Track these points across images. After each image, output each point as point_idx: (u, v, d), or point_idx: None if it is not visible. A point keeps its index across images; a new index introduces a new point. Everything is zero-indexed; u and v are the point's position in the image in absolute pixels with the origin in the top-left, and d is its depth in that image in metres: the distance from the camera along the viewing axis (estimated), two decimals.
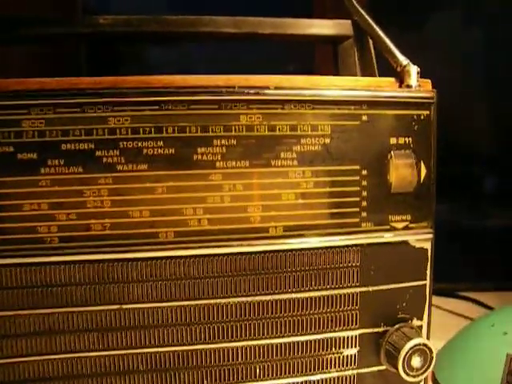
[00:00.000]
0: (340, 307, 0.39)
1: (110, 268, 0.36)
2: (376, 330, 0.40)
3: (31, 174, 0.35)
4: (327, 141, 0.38)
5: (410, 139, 0.39)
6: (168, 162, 0.36)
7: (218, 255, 0.37)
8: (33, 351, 0.36)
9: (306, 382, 0.39)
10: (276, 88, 0.37)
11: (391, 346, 0.39)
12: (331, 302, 0.39)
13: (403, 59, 0.41)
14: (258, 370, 0.38)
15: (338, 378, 0.40)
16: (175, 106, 0.36)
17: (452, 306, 0.77)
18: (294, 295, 0.38)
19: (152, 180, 0.36)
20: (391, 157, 0.39)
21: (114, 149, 0.35)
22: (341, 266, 0.39)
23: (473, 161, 0.98)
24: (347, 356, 0.40)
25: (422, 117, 0.40)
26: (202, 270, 0.37)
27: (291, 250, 0.38)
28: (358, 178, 0.39)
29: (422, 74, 0.41)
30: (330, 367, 0.40)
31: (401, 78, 0.41)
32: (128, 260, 0.36)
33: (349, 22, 0.46)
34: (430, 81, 0.41)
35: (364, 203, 0.39)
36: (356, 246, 0.39)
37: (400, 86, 0.41)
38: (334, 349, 0.40)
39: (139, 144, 0.36)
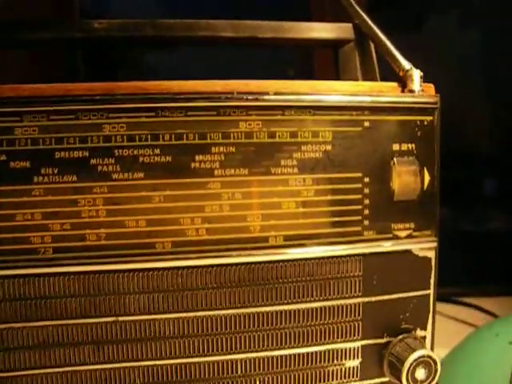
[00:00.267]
0: (342, 318, 0.38)
1: (106, 279, 0.35)
2: (379, 340, 0.39)
3: (24, 183, 0.34)
4: (328, 148, 0.37)
5: (413, 145, 0.39)
6: (165, 170, 0.35)
7: (217, 266, 0.36)
8: (26, 365, 0.35)
9: None
10: (276, 93, 0.36)
11: (394, 357, 0.39)
12: (333, 313, 0.38)
13: (406, 63, 0.40)
14: (257, 383, 0.37)
15: None
16: (172, 112, 0.35)
17: (452, 311, 0.76)
18: (294, 306, 0.37)
19: (148, 189, 0.35)
20: (394, 164, 0.38)
21: (109, 157, 0.34)
22: (342, 275, 0.38)
23: (473, 163, 0.97)
24: (349, 368, 0.39)
25: (426, 122, 0.39)
26: (200, 281, 0.36)
27: (292, 260, 0.37)
28: (360, 185, 0.38)
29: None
30: (332, 379, 0.39)
31: (403, 82, 0.40)
32: (124, 271, 0.35)
33: (349, 25, 0.45)
34: (433, 85, 0.40)
35: (366, 211, 0.38)
36: (358, 255, 0.38)
37: (403, 91, 0.40)
38: (335, 360, 0.39)
39: (135, 152, 0.35)
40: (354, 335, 0.39)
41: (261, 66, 0.85)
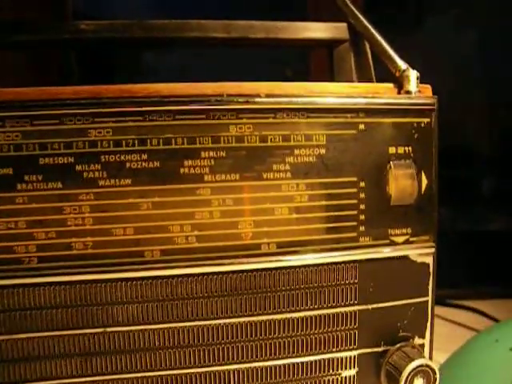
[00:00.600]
0: (337, 327, 0.37)
1: (93, 289, 0.34)
2: (376, 349, 0.38)
3: (7, 191, 0.33)
4: (322, 151, 0.36)
5: (410, 148, 0.38)
6: (153, 176, 0.34)
7: (208, 274, 0.35)
8: (11, 379, 0.34)
9: None
10: (267, 96, 0.35)
11: (392, 366, 0.37)
12: (328, 322, 0.37)
13: (402, 63, 0.39)
14: None
15: None
16: (160, 116, 0.34)
17: (449, 313, 0.75)
18: (288, 315, 0.36)
19: (136, 195, 0.34)
20: (390, 167, 0.37)
21: (95, 163, 0.33)
22: (338, 283, 0.37)
23: (471, 163, 0.96)
24: (346, 377, 0.38)
25: (423, 124, 0.38)
26: (190, 291, 0.35)
27: (285, 268, 0.36)
28: (355, 190, 0.37)
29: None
30: None
31: (400, 83, 0.39)
32: (112, 280, 0.34)
33: (344, 25, 0.44)
34: (430, 86, 0.39)
35: (362, 217, 0.37)
36: (354, 261, 0.37)
37: (399, 92, 0.39)
38: (331, 370, 0.38)
39: (122, 157, 0.33)
40: (350, 344, 0.38)
41: (263, 67, 0.84)
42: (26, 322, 0.33)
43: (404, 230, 0.38)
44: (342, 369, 0.38)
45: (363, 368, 0.38)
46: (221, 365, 0.36)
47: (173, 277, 0.35)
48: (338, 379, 0.38)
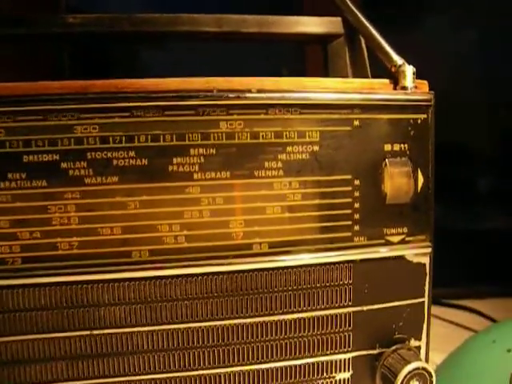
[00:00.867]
0: (331, 329, 0.36)
1: (79, 291, 0.33)
2: (371, 352, 0.37)
3: None
4: (316, 148, 0.35)
5: (406, 145, 0.37)
6: (141, 173, 0.33)
7: (197, 275, 0.34)
8: None
9: None
10: (259, 91, 0.34)
11: (387, 369, 0.37)
12: (322, 324, 0.36)
13: (398, 58, 0.38)
14: None
15: None
16: (148, 112, 0.33)
17: (445, 313, 0.74)
18: (281, 317, 0.35)
19: (123, 194, 0.33)
20: (386, 165, 0.36)
21: (81, 160, 0.32)
22: (332, 284, 0.36)
23: (469, 162, 0.95)
24: (340, 380, 0.37)
25: (419, 121, 0.37)
26: (179, 292, 0.34)
27: (277, 268, 0.35)
28: (349, 188, 0.36)
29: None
30: None
31: (395, 79, 0.38)
32: (98, 282, 0.33)
33: (338, 19, 0.43)
34: (426, 82, 0.38)
35: (356, 216, 0.36)
36: (348, 262, 0.36)
37: (395, 88, 0.38)
38: (325, 373, 0.37)
39: (109, 154, 0.32)
40: (345, 346, 0.37)
41: (261, 62, 0.83)
42: (10, 324, 0.33)
43: (400, 230, 0.37)
44: (336, 371, 0.37)
45: (358, 371, 0.37)
46: (212, 368, 0.35)
47: (161, 278, 0.34)
48: (332, 382, 0.37)
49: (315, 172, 0.35)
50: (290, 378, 0.36)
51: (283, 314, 0.35)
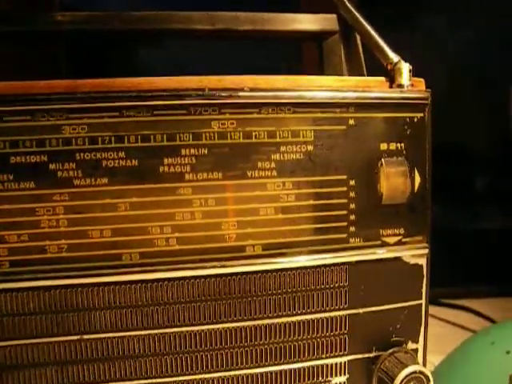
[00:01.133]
0: (327, 332, 0.36)
1: (69, 294, 0.32)
2: (367, 355, 0.37)
3: None
4: (310, 148, 0.34)
5: (403, 145, 0.36)
6: (131, 175, 0.32)
7: (190, 278, 0.33)
8: None
9: None
10: (251, 90, 0.33)
11: (384, 373, 0.36)
12: (317, 327, 0.36)
13: (394, 56, 0.38)
14: None
15: None
16: (138, 112, 0.32)
17: (443, 313, 0.74)
18: (275, 320, 0.35)
19: (113, 195, 0.32)
20: (382, 165, 0.35)
21: (69, 161, 0.32)
22: (327, 286, 0.35)
23: (465, 162, 0.95)
24: None
25: (416, 120, 0.36)
26: (171, 295, 0.33)
27: (271, 271, 0.34)
28: (344, 188, 0.35)
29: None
30: None
31: (391, 77, 0.37)
32: (88, 285, 0.32)
33: (334, 16, 0.42)
34: (423, 80, 0.37)
35: (352, 217, 0.35)
36: (344, 264, 0.35)
37: (391, 86, 0.37)
38: (321, 377, 0.36)
39: (98, 155, 0.32)
40: (341, 350, 0.36)
41: (262, 61, 0.83)
42: None
43: (396, 231, 0.36)
44: (332, 375, 0.36)
45: (354, 374, 0.37)
46: (204, 373, 0.34)
47: (152, 281, 0.33)
48: None
49: (309, 172, 0.34)
50: (285, 382, 0.36)
51: (277, 317, 0.35)
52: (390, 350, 0.37)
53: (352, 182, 0.35)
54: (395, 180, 0.36)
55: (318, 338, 0.36)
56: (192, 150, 0.32)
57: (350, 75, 0.43)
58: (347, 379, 0.36)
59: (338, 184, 0.35)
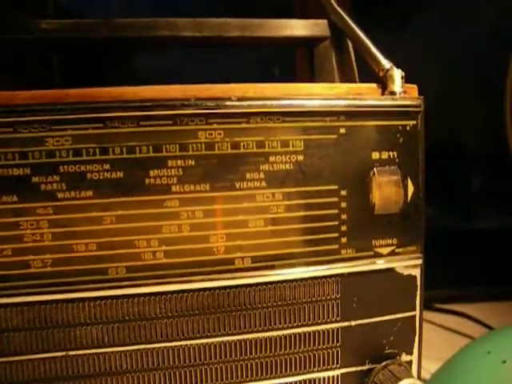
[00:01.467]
0: (319, 345, 0.35)
1: (54, 310, 0.32)
2: (360, 368, 0.36)
3: None
4: (300, 158, 0.33)
5: (395, 153, 0.35)
6: (116, 187, 0.31)
7: (177, 292, 0.33)
8: None
9: None
10: (239, 99, 0.32)
11: None
12: (308, 340, 0.35)
13: (386, 62, 0.37)
14: None
15: None
16: (122, 122, 0.31)
17: (435, 317, 0.73)
18: (265, 334, 0.34)
19: (98, 209, 0.31)
20: (374, 174, 0.35)
21: (53, 174, 0.31)
22: (319, 299, 0.35)
23: (458, 163, 0.94)
24: None
25: (408, 127, 0.36)
26: (159, 310, 0.33)
27: (261, 284, 0.34)
28: (336, 199, 0.34)
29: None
30: None
31: (383, 83, 0.37)
32: (73, 300, 0.32)
33: (325, 21, 0.42)
34: (416, 86, 0.37)
35: (344, 227, 0.34)
36: (336, 275, 0.35)
37: (383, 93, 0.37)
38: None
39: (82, 168, 0.31)
40: (333, 363, 0.35)
41: (260, 67, 0.82)
42: None
43: (389, 241, 0.36)
44: None
45: None
46: None
47: (139, 295, 0.32)
48: None
49: (300, 183, 0.33)
50: None
51: (268, 331, 0.34)
52: (384, 363, 0.36)
53: (343, 192, 0.34)
54: (388, 189, 0.35)
55: (310, 351, 0.35)
56: (179, 162, 0.32)
57: (341, 82, 0.42)
58: None
59: (329, 194, 0.34)
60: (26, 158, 0.31)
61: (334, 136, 0.34)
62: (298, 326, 0.34)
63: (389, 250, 0.36)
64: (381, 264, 0.35)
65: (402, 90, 0.36)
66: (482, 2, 0.91)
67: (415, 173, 0.36)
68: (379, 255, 0.35)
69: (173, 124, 0.32)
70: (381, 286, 0.36)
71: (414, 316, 0.37)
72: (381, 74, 0.37)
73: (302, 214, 0.34)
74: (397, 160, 0.35)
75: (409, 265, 0.36)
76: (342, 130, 0.34)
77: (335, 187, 0.34)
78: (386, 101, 0.36)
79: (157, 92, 0.32)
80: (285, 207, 0.33)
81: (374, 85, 0.37)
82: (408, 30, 0.91)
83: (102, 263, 0.32)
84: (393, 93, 0.36)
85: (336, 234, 0.34)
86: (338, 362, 0.35)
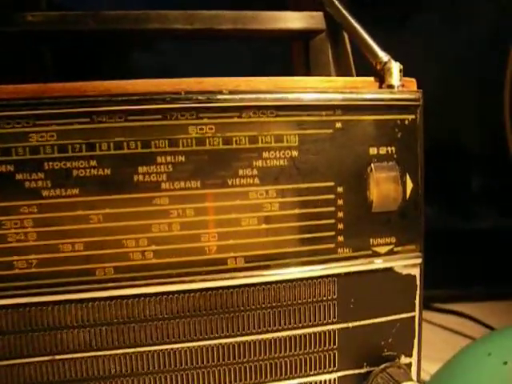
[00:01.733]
0: (315, 347, 0.34)
1: (39, 313, 0.30)
2: (358, 371, 0.35)
3: None
4: (294, 154, 0.32)
5: (393, 149, 0.34)
6: (103, 184, 0.30)
7: (167, 293, 0.31)
8: None
9: None
10: (231, 92, 0.31)
11: None
12: (304, 343, 0.34)
13: (383, 55, 0.36)
14: None
15: None
16: (110, 117, 0.30)
17: (434, 317, 0.72)
18: (260, 336, 0.33)
19: (85, 207, 0.30)
20: (371, 170, 0.34)
21: (37, 171, 0.30)
22: (315, 300, 0.34)
23: (457, 162, 0.94)
24: None
25: (407, 122, 0.34)
26: (148, 312, 0.31)
27: (255, 285, 0.32)
28: (332, 196, 0.33)
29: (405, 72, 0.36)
30: None
31: (381, 77, 0.36)
32: (60, 302, 0.31)
33: (320, 14, 0.41)
34: (414, 80, 0.36)
35: (340, 226, 0.33)
36: (332, 275, 0.34)
37: (380, 87, 0.36)
38: None
39: (68, 164, 0.30)
40: (330, 366, 0.34)
41: (258, 61, 0.81)
42: None
43: (387, 240, 0.34)
44: None
45: None
46: None
47: (128, 297, 0.31)
48: None
49: (294, 179, 0.32)
50: None
51: (262, 333, 0.33)
52: (382, 366, 0.35)
53: (340, 189, 0.33)
54: (386, 186, 0.34)
55: (306, 354, 0.34)
56: (168, 158, 0.31)
57: (338, 75, 0.41)
58: None
59: (325, 191, 0.33)
60: (9, 154, 0.29)
61: (330, 131, 0.33)
62: (293, 328, 0.33)
63: (387, 248, 0.35)
64: (379, 263, 0.34)
65: (400, 84, 0.35)
66: (482, 2, 0.91)
67: (414, 169, 0.35)
68: (377, 254, 0.34)
69: (162, 119, 0.30)
70: (379, 286, 0.35)
71: (414, 317, 0.36)
72: (378, 67, 0.36)
73: (296, 211, 0.33)
74: (395, 156, 0.34)
75: (408, 264, 0.35)
76: (339, 125, 0.33)
77: (331, 184, 0.33)
78: (384, 94, 0.35)
79: (145, 86, 0.30)
80: (279, 205, 0.32)
81: (371, 78, 0.36)
82: (408, 29, 0.91)
83: (89, 264, 0.31)
84: (391, 86, 0.35)
85: (332, 233, 0.33)
86: (334, 365, 0.34)
